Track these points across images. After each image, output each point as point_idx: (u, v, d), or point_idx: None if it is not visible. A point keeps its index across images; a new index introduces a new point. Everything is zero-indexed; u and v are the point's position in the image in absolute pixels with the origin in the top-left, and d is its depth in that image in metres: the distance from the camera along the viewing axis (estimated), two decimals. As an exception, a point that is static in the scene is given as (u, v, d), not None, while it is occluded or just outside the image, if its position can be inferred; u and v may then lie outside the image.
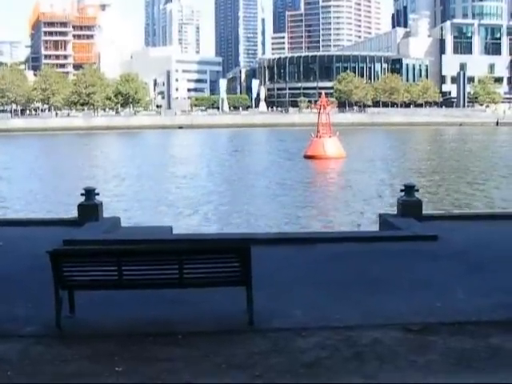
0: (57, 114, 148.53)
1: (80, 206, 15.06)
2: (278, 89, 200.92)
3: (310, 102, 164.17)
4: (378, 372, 6.44)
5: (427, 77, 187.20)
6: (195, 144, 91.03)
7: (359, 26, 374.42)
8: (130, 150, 75.66)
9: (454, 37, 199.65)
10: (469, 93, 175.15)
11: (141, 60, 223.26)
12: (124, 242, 11.88)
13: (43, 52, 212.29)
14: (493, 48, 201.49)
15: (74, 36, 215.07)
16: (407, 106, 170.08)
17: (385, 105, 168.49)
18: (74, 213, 15.67)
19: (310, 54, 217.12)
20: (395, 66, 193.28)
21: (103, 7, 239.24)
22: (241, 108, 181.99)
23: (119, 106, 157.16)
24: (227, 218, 26.38)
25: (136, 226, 20.11)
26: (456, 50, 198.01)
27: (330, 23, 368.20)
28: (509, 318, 7.97)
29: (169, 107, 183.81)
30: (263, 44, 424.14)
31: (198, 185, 38.98)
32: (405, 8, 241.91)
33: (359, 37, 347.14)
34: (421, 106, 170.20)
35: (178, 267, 7.97)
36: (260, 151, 70.55)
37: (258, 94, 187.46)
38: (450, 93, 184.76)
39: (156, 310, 8.48)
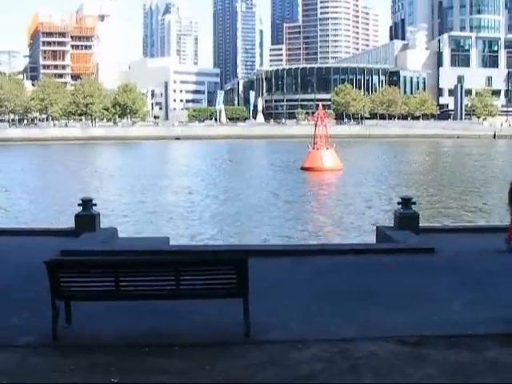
0: (54, 124, 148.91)
1: (77, 217, 15.06)
2: (275, 100, 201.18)
3: (307, 113, 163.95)
4: (374, 384, 6.45)
5: (425, 89, 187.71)
6: (192, 155, 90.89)
7: (357, 38, 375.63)
8: (127, 160, 75.61)
9: (452, 49, 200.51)
10: (466, 105, 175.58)
11: (139, 71, 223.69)
12: (121, 253, 11.89)
13: (41, 62, 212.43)
14: (490, 61, 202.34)
15: (72, 46, 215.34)
16: (405, 118, 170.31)
17: (382, 117, 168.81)
18: (71, 223, 15.71)
19: (308, 65, 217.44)
20: (393, 78, 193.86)
21: (102, 18, 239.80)
22: (238, 119, 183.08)
23: (117, 116, 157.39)
24: (224, 229, 26.33)
25: (133, 236, 20.08)
26: (453, 63, 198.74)
27: (327, 35, 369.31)
28: (505, 331, 7.97)
29: (166, 118, 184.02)
30: (261, 56, 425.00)
31: (195, 196, 38.92)
32: (402, 21, 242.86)
33: (357, 49, 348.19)
34: (418, 118, 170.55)
35: (174, 278, 7.98)
36: (257, 163, 70.51)
37: (256, 106, 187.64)
38: (447, 105, 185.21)
39: (153, 321, 8.47)
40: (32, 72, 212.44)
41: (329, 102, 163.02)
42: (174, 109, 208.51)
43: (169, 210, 32.30)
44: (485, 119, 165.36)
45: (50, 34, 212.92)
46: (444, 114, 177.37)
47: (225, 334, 8.00)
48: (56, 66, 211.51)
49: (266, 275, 10.95)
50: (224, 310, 8.38)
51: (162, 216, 30.29)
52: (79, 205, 15.18)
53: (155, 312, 8.65)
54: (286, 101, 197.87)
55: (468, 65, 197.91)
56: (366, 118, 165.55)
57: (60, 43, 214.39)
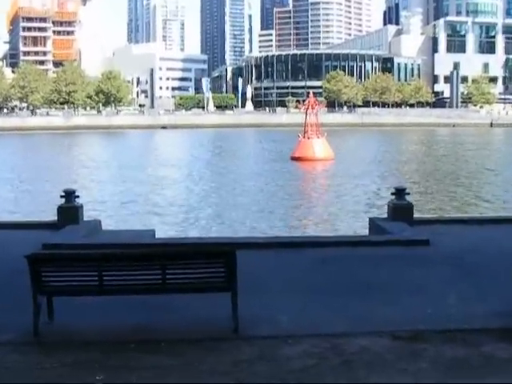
0: (34, 112, 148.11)
1: (59, 209, 15.02)
2: (265, 88, 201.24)
3: (298, 101, 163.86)
4: (367, 380, 6.46)
5: (419, 76, 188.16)
6: (179, 145, 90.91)
7: (349, 23, 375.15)
8: (111, 150, 75.38)
9: (448, 35, 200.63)
10: (462, 93, 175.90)
11: (123, 57, 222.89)
12: (105, 246, 11.86)
13: (22, 48, 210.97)
14: (487, 47, 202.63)
15: (53, 32, 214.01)
16: (399, 106, 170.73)
17: (375, 105, 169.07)
18: (53, 216, 15.68)
19: (299, 52, 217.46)
20: (386, 64, 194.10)
21: (84, 2, 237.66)
22: (227, 108, 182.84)
23: (100, 104, 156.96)
24: (211, 221, 26.36)
25: (117, 229, 20.06)
26: (449, 49, 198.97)
27: (319, 20, 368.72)
28: (502, 326, 7.99)
29: (152, 106, 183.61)
30: (250, 41, 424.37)
31: (181, 188, 38.95)
32: (397, 5, 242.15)
33: (349, 34, 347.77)
34: (413, 106, 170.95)
35: (160, 272, 7.98)
36: (246, 152, 70.47)
37: (245, 93, 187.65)
38: (442, 93, 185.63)
39: (138, 316, 8.48)
40: (12, 59, 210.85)
41: (320, 90, 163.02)
42: (160, 97, 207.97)
43: (154, 202, 32.26)
44: (481, 107, 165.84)
45: (30, 19, 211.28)
46: (439, 102, 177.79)
47: (213, 330, 8.01)
48: (37, 53, 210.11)
49: (255, 268, 10.95)
50: (212, 304, 8.37)
51: (147, 208, 30.23)
52: (62, 196, 15.11)
53: (141, 307, 8.63)
54: (276, 88, 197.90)
55: (464, 51, 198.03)
56: (359, 106, 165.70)
57: (41, 29, 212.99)
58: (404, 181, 38.12)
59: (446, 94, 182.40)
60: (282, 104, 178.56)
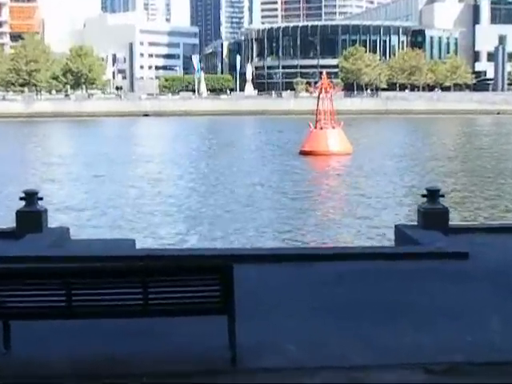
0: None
1: (18, 214, 14.94)
2: (268, 67, 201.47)
3: (308, 83, 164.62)
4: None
5: (456, 53, 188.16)
6: (164, 136, 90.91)
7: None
8: (82, 142, 75.49)
9: (492, 2, 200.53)
10: (509, 73, 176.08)
11: (96, 29, 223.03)
12: (74, 259, 11.87)
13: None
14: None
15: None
16: (431, 89, 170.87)
17: (403, 88, 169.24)
18: (10, 222, 15.67)
19: (310, 23, 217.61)
20: (416, 38, 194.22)
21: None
22: (222, 91, 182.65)
23: (69, 87, 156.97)
24: (203, 230, 26.42)
25: (89, 238, 20.08)
26: (494, 19, 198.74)
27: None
28: (556, 357, 8.05)
29: (131, 89, 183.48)
30: (250, 11, 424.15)
31: (167, 188, 39.02)
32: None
33: (371, 2, 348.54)
34: (448, 89, 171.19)
35: (141, 291, 7.96)
36: (245, 146, 70.63)
37: (244, 74, 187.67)
38: (485, 73, 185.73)
39: (115, 345, 8.45)
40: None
41: (336, 70, 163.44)
42: (142, 78, 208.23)
43: (134, 205, 32.34)
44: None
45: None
46: (481, 84, 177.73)
47: (206, 361, 7.98)
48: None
49: (256, 286, 10.99)
50: (204, 330, 8.38)
51: (126, 213, 30.33)
52: (21, 199, 15.06)
53: (118, 334, 8.61)
54: (282, 68, 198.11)
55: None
56: (383, 90, 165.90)
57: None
58: (437, 181, 38.14)
59: (490, 75, 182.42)
60: (290, 87, 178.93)
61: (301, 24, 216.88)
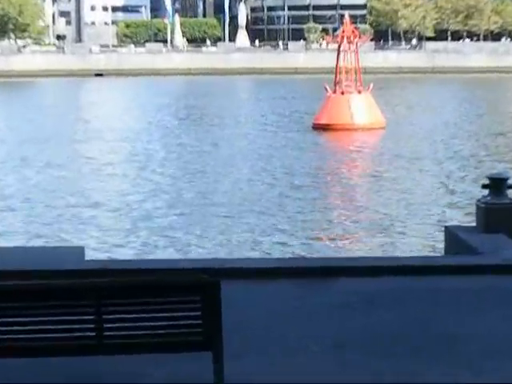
0: None
1: None
2: (269, 8, 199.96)
3: (325, 31, 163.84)
4: None
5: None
6: (123, 104, 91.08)
7: None
8: (7, 113, 75.51)
9: None
10: None
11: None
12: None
13: None
14: None
15: None
16: (495, 38, 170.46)
17: (456, 37, 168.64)
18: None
19: None
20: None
21: None
22: (205, 41, 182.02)
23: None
24: (180, 234, 26.39)
25: (20, 246, 20.04)
26: None
27: None
28: None
29: (78, 39, 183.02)
30: None
31: (128, 176, 39.35)
32: None
33: None
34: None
35: (94, 319, 7.88)
36: (237, 118, 70.35)
37: (236, 18, 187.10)
38: None
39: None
40: None
41: (363, 11, 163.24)
42: (93, 23, 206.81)
43: (82, 200, 32.57)
44: None
45: None
46: None
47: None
48: None
49: (251, 311, 11.00)
50: (182, 371, 8.37)
51: (69, 211, 30.44)
52: None
53: (61, 376, 8.49)
54: (288, 9, 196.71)
55: None
56: (428, 39, 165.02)
57: None
58: (503, 166, 38.18)
59: None
60: (299, 36, 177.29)
61: None
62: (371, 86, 56.88)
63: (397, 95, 79.29)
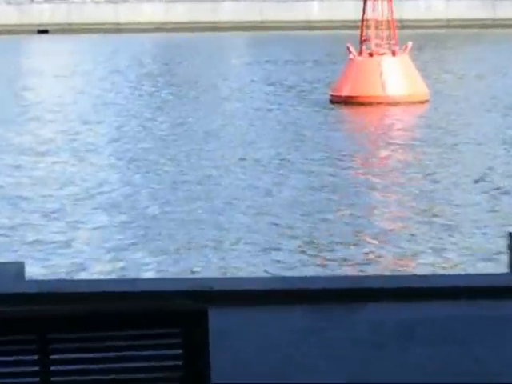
0: None
1: None
2: None
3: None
4: None
5: None
6: (77, 71, 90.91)
7: None
8: None
9: None
10: None
11: None
12: None
13: None
14: None
15: None
16: None
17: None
18: None
19: None
20: None
21: None
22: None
23: None
24: (157, 244, 26.32)
25: None
26: None
27: None
28: None
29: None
30: None
31: (83, 169, 39.17)
32: None
33: None
34: None
35: (38, 359, 7.71)
36: (230, 88, 70.62)
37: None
38: None
39: None
40: None
41: None
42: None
43: (24, 204, 33.12)
44: None
45: None
46: None
47: None
48: None
49: (251, 347, 10.33)
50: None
51: (7, 216, 30.80)
52: None
53: None
54: None
55: None
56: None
57: None
58: None
59: None
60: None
61: None
62: (410, 45, 56.35)
63: (444, 57, 79.68)
